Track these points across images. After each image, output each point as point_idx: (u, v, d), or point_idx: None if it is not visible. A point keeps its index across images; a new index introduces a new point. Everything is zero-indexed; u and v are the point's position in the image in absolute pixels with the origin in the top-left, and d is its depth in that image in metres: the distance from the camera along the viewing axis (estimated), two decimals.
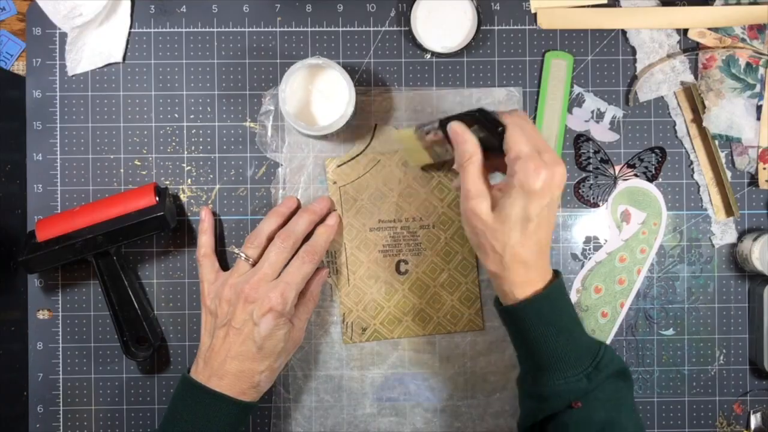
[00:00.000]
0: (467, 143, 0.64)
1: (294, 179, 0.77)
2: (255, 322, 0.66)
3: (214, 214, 0.76)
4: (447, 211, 0.76)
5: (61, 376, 0.77)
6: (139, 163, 0.77)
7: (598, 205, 0.77)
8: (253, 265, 0.70)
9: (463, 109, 0.67)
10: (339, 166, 0.76)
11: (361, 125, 0.77)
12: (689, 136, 0.77)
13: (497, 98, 0.77)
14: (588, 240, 0.77)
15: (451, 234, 0.76)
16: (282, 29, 0.77)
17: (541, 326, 0.63)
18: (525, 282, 0.63)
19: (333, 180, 0.76)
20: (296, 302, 0.69)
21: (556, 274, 0.65)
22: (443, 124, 0.66)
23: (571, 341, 0.63)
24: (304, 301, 0.71)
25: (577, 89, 0.77)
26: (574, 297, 0.77)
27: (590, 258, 0.77)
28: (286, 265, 0.69)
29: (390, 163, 0.76)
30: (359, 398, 0.77)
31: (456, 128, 0.65)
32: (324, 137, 0.75)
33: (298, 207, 0.75)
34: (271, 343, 0.67)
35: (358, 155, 0.76)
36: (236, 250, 0.71)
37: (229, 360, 0.66)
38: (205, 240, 0.73)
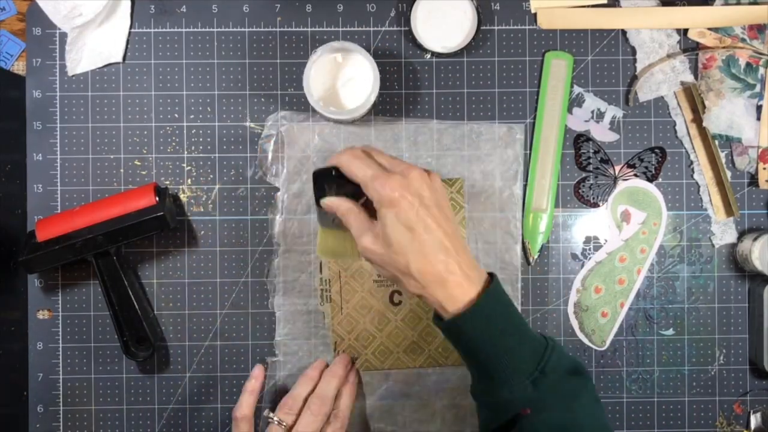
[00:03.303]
0: (338, 206, 0.65)
1: (293, 205, 0.76)
2: None
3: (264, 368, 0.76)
4: None
5: (61, 376, 0.77)
6: (139, 163, 0.77)
7: (598, 205, 0.77)
8: (288, 430, 0.71)
9: (463, 143, 0.75)
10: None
11: (369, 140, 0.77)
12: (689, 136, 0.77)
13: (497, 134, 0.77)
14: (588, 240, 0.77)
15: None
16: (282, 29, 0.77)
17: (478, 337, 0.61)
18: (452, 294, 0.61)
19: None
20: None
21: (491, 276, 0.63)
22: (318, 204, 0.67)
23: (513, 348, 0.61)
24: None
25: (577, 89, 0.77)
26: (574, 297, 0.77)
27: (590, 258, 0.77)
28: None
29: None
30: (347, 427, 0.76)
31: (324, 203, 0.66)
32: (350, 123, 0.76)
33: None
34: None
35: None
36: (271, 415, 0.71)
37: None
38: (250, 401, 0.73)
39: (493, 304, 0.61)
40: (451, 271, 0.61)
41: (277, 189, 0.77)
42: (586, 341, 0.77)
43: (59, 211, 0.77)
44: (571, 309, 0.77)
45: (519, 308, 0.77)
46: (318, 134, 0.76)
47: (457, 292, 0.61)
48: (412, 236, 0.60)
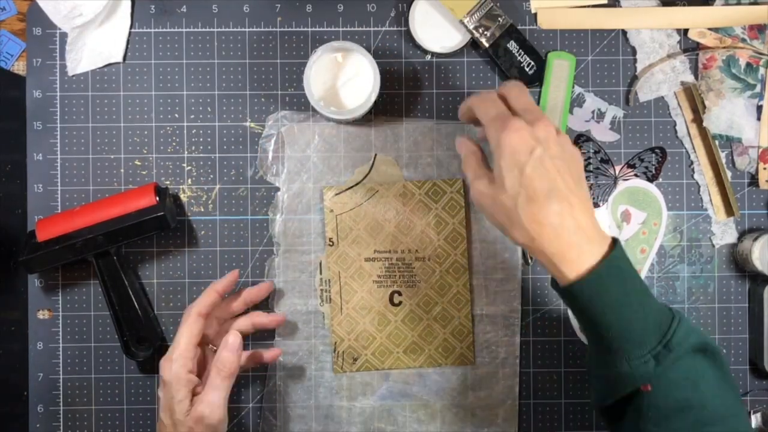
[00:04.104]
0: (462, 146, 0.66)
1: (293, 204, 0.76)
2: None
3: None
4: (443, 245, 0.76)
5: (61, 376, 0.77)
6: (139, 163, 0.77)
7: (599, 205, 0.77)
8: None
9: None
10: (336, 194, 0.76)
11: (361, 155, 0.77)
12: (689, 136, 0.77)
13: None
14: None
15: (446, 267, 0.76)
16: (282, 29, 0.77)
17: (597, 306, 0.57)
18: (567, 255, 0.57)
19: (330, 208, 0.76)
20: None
21: (614, 241, 0.59)
22: None
23: (636, 320, 0.57)
24: (213, 372, 0.69)
25: (577, 89, 0.77)
26: None
27: None
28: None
29: (388, 194, 0.76)
30: (347, 428, 0.76)
31: (457, 140, 0.67)
32: (351, 123, 0.76)
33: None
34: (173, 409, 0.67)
35: (356, 185, 0.76)
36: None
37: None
38: (209, 300, 0.71)
39: (616, 272, 0.57)
40: (565, 227, 0.57)
41: (277, 188, 0.77)
42: (586, 340, 0.77)
43: (59, 211, 0.77)
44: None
45: (519, 308, 0.77)
46: (318, 134, 0.77)
47: (574, 254, 0.57)
48: (522, 178, 0.57)
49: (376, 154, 0.77)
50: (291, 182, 0.76)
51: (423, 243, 0.76)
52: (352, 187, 0.76)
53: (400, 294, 0.76)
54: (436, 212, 0.76)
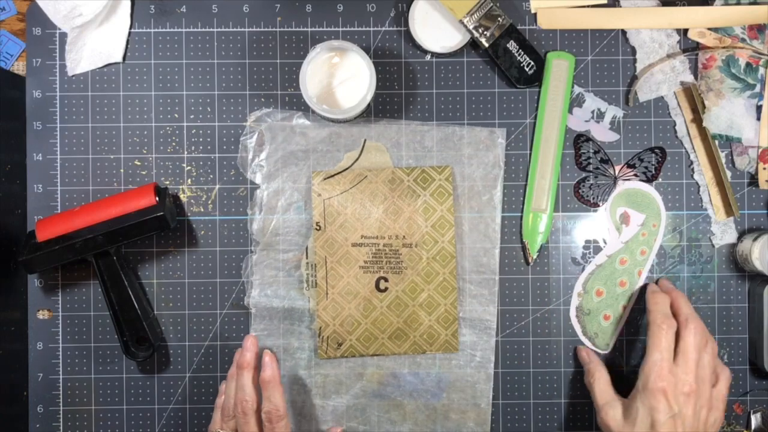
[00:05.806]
0: (591, 363, 0.73)
1: (272, 203, 0.76)
2: None
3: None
4: (431, 232, 0.76)
5: (61, 376, 0.77)
6: (139, 163, 0.77)
7: (598, 205, 0.77)
8: None
9: (446, 144, 0.76)
10: (325, 179, 0.76)
11: (351, 140, 0.77)
12: (689, 136, 0.77)
13: (479, 137, 0.76)
14: (588, 243, 0.77)
15: (433, 254, 0.76)
16: (282, 29, 0.77)
17: None
18: None
19: (318, 192, 0.75)
20: None
21: None
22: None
23: None
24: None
25: (577, 89, 0.77)
26: (576, 301, 0.77)
27: (591, 261, 0.77)
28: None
29: (377, 179, 0.76)
30: (320, 426, 0.76)
31: (580, 350, 0.75)
32: (345, 122, 0.76)
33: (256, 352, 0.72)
34: None
35: (345, 170, 0.76)
36: (218, 431, 0.71)
37: None
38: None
39: None
40: None
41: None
42: (589, 344, 0.77)
43: (59, 211, 0.77)
44: (573, 313, 0.77)
45: (496, 312, 0.77)
46: (299, 133, 0.76)
47: None
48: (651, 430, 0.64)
49: (365, 140, 0.77)
50: (271, 180, 0.76)
51: (411, 229, 0.76)
52: (341, 172, 0.76)
53: (386, 280, 0.76)
54: (424, 199, 0.76)
